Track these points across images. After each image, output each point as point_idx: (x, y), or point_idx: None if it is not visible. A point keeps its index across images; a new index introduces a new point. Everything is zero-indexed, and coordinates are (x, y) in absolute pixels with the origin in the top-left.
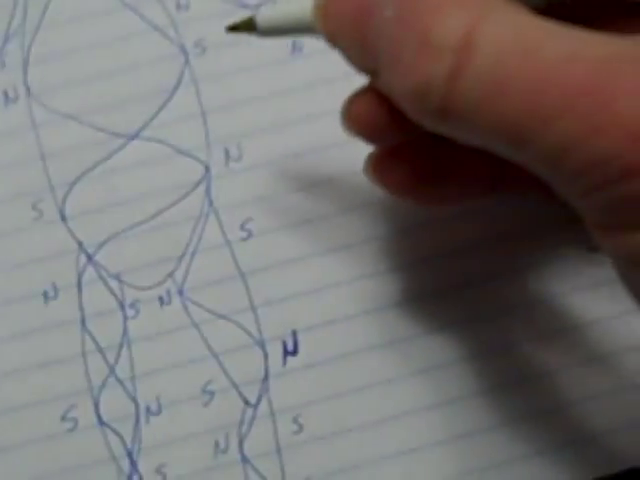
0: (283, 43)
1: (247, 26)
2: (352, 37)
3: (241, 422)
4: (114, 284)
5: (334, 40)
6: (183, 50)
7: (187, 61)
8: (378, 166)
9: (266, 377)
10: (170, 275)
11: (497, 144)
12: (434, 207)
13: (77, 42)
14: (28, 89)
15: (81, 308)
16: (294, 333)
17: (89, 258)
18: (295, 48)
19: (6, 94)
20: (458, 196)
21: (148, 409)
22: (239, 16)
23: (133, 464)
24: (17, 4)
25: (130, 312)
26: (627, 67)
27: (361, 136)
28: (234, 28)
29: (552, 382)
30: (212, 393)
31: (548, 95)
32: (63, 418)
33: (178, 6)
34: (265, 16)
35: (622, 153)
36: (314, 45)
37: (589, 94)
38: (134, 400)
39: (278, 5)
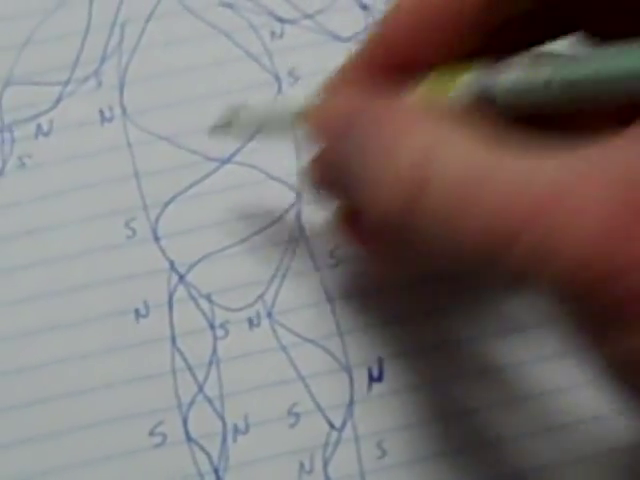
0: None
1: (229, 124)
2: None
3: (326, 445)
4: (204, 304)
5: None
6: (277, 78)
7: (280, 89)
8: (342, 221)
9: (351, 402)
10: (260, 297)
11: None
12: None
13: (173, 65)
14: (124, 109)
15: (172, 326)
16: (380, 360)
17: (180, 278)
18: None
19: (102, 113)
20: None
21: (236, 428)
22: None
23: None
24: (115, 25)
25: (220, 332)
26: (577, 189)
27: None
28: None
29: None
30: (298, 415)
31: (501, 225)
32: (151, 433)
33: (272, 35)
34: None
35: (572, 278)
36: None
37: (539, 220)
38: (222, 418)
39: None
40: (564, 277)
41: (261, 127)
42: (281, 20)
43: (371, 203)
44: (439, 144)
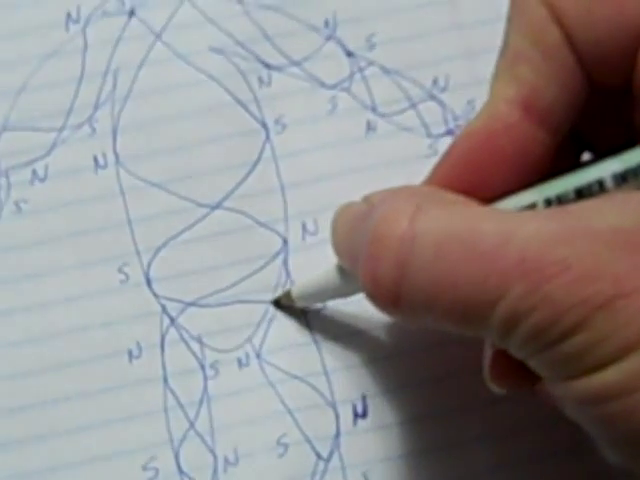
0: (358, 122)
1: (288, 298)
2: (346, 246)
3: (313, 474)
4: (195, 346)
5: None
6: (264, 126)
7: (268, 137)
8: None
9: (337, 434)
10: (248, 340)
11: (448, 327)
12: None
13: (164, 112)
14: (117, 156)
15: (164, 367)
16: (364, 397)
17: (172, 321)
18: (370, 128)
19: (96, 160)
20: None
21: (226, 459)
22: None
23: None
24: (108, 72)
25: (210, 372)
26: (556, 247)
27: (510, 389)
28: (277, 302)
29: None
30: (286, 446)
31: (488, 282)
32: (144, 468)
33: (260, 81)
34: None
35: (556, 322)
36: (387, 127)
37: (522, 277)
38: (212, 452)
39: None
40: (534, 333)
41: (316, 297)
42: (268, 67)
43: (364, 272)
44: (423, 209)
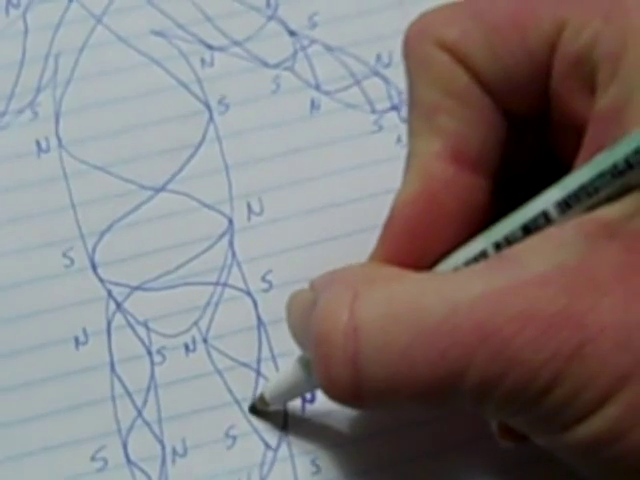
0: (302, 101)
1: (262, 402)
2: (302, 336)
3: (262, 464)
4: (142, 331)
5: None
6: (208, 107)
7: (211, 118)
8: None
9: (285, 424)
10: (195, 323)
11: (421, 407)
12: None
13: (107, 95)
14: (60, 140)
15: (110, 353)
16: None
17: (118, 306)
18: (314, 106)
19: (39, 144)
20: None
21: (174, 450)
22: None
23: None
24: (49, 57)
25: (157, 358)
26: (507, 303)
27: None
28: (253, 409)
29: None
30: (234, 437)
31: (447, 356)
32: (93, 458)
33: (203, 62)
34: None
35: (530, 383)
36: (332, 104)
37: (482, 343)
38: (161, 442)
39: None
40: (509, 397)
41: (289, 395)
42: (211, 47)
43: (325, 383)
44: (359, 295)
